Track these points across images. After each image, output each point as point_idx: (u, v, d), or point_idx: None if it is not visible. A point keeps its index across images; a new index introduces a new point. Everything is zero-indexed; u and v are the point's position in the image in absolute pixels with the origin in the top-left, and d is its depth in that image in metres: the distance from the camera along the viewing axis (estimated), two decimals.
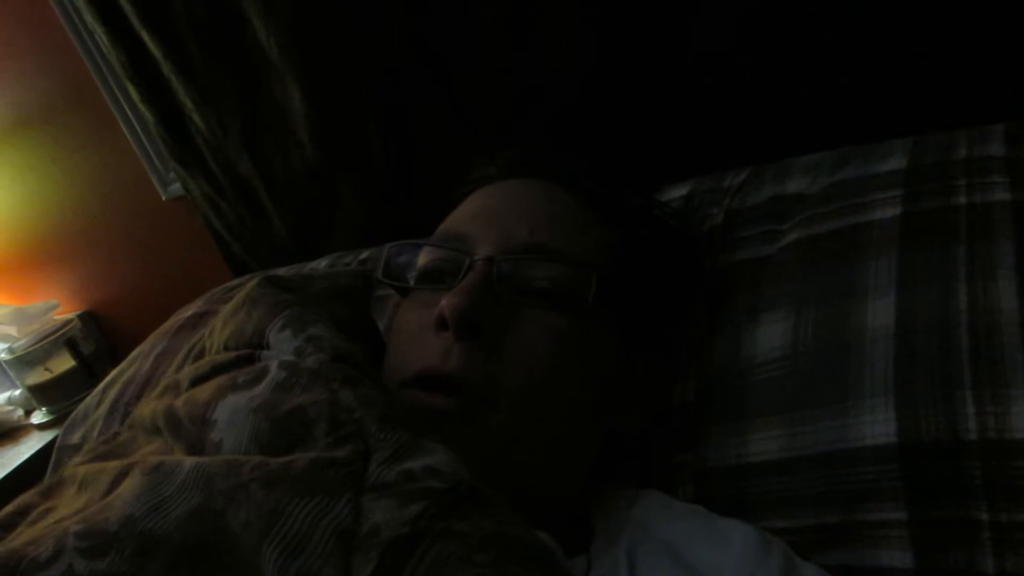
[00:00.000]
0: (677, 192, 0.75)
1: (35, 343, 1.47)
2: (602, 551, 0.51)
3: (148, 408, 0.53)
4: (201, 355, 0.58)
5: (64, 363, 1.49)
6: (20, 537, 0.42)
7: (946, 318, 0.50)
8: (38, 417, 1.50)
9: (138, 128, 1.34)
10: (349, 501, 0.37)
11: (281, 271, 1.01)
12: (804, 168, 0.68)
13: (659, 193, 0.75)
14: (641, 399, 0.59)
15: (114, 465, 0.45)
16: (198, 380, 0.52)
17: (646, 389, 0.59)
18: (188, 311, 1.00)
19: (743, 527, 0.51)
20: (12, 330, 1.52)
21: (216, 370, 0.52)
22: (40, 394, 1.49)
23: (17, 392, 1.57)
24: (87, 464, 0.49)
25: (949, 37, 0.71)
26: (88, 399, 0.96)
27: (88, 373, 1.50)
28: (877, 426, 0.49)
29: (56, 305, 1.60)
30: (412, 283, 0.58)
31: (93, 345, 1.55)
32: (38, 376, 1.48)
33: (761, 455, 0.53)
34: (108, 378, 0.96)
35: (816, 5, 0.74)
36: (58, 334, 1.48)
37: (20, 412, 1.53)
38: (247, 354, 0.52)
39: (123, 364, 0.97)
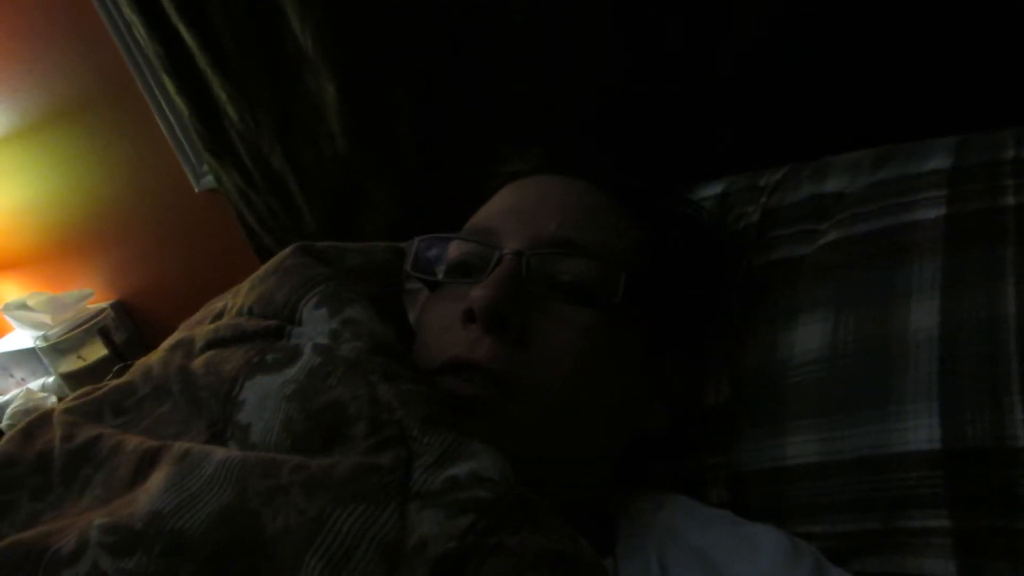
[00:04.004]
0: (711, 190, 0.74)
1: (69, 331, 1.49)
2: (629, 554, 0.51)
3: (157, 360, 0.51)
4: (220, 317, 0.56)
5: (97, 351, 1.51)
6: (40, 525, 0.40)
7: (993, 322, 0.49)
8: None
9: (172, 120, 1.35)
10: (395, 511, 0.36)
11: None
12: (844, 167, 0.67)
13: (693, 191, 0.74)
14: (670, 399, 0.58)
15: (133, 445, 0.42)
16: (217, 343, 0.50)
17: (675, 389, 0.58)
18: (218, 303, 1.00)
19: (773, 533, 0.50)
20: (47, 318, 1.55)
21: (240, 337, 0.50)
22: (73, 381, 1.51)
23: (50, 379, 1.60)
24: (84, 423, 0.46)
25: (991, 35, 0.69)
26: None
27: (120, 362, 1.51)
28: (920, 431, 0.48)
29: (90, 294, 1.62)
30: (441, 277, 0.58)
31: (125, 334, 1.57)
32: (71, 364, 1.51)
33: (798, 459, 0.52)
34: None
35: (854, 2, 0.73)
36: (91, 323, 1.50)
37: (53, 399, 1.56)
38: (276, 326, 0.50)
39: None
